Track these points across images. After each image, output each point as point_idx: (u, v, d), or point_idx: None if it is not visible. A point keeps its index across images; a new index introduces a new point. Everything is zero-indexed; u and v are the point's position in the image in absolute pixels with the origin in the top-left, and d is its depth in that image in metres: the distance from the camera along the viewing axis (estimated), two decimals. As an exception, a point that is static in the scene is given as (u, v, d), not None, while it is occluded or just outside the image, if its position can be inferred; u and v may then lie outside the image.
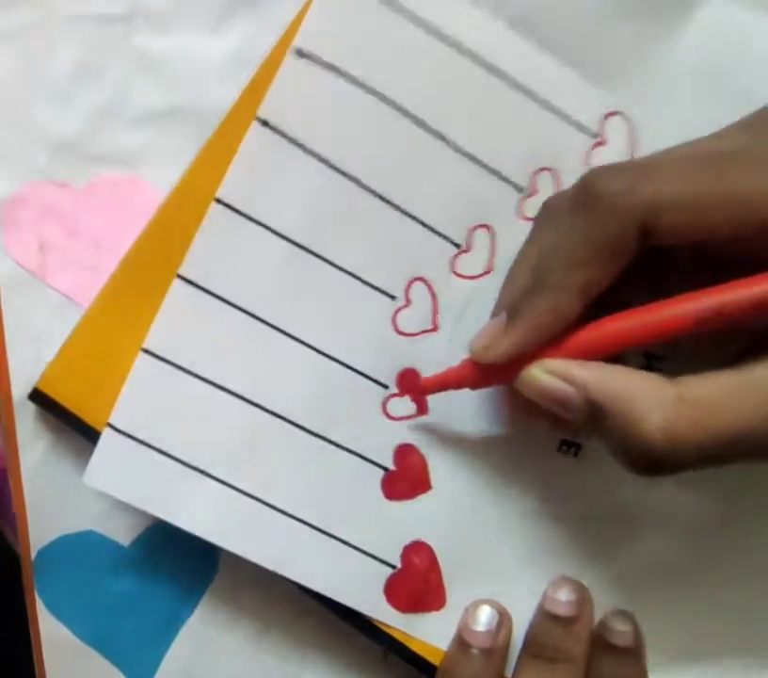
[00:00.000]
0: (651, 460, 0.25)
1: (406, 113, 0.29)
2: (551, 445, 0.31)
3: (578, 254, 0.25)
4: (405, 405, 0.31)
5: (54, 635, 0.31)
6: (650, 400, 0.25)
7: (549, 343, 0.27)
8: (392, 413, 0.31)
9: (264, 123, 0.28)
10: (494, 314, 0.28)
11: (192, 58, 0.30)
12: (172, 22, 0.30)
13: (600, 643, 0.31)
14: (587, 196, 0.25)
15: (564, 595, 0.31)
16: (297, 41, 0.28)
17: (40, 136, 0.30)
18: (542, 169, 0.31)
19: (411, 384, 0.31)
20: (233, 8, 0.30)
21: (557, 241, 0.26)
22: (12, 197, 0.30)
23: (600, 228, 0.25)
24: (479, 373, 0.28)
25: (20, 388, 0.30)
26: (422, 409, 0.30)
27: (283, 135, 0.29)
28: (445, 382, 0.29)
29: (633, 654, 0.31)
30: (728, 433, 0.24)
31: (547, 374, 0.26)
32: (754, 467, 0.31)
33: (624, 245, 0.25)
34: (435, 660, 0.31)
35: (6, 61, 0.29)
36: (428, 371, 0.31)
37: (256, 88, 0.29)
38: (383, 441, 0.31)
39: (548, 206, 0.27)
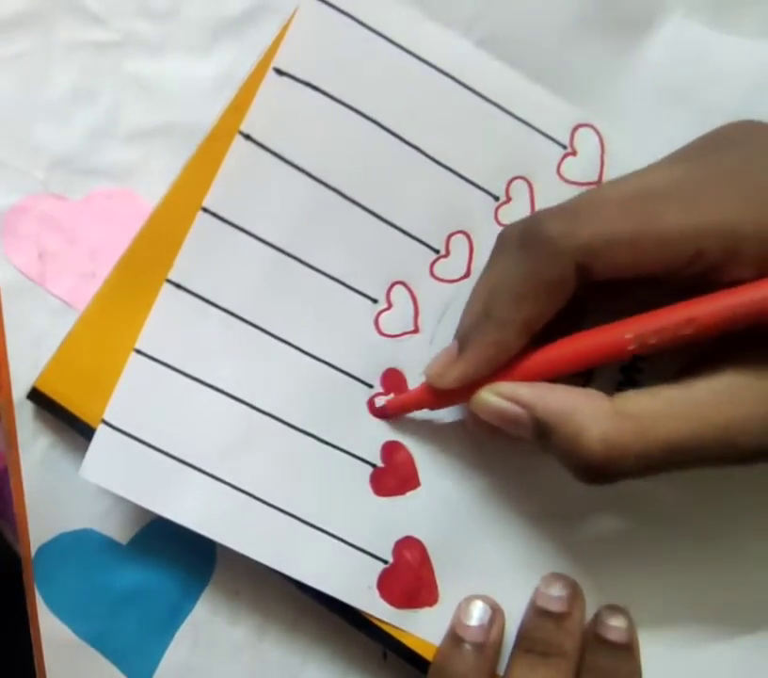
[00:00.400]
0: (595, 469, 0.26)
1: (382, 127, 0.31)
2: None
3: (520, 292, 0.27)
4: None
5: (53, 633, 0.32)
6: (588, 415, 0.26)
7: (497, 370, 0.29)
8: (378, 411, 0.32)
9: (247, 137, 0.30)
10: (454, 338, 0.30)
11: (181, 81, 0.32)
12: (162, 47, 0.32)
13: (593, 638, 0.31)
14: (531, 238, 0.27)
15: (556, 591, 0.31)
16: (277, 61, 0.30)
17: (39, 152, 0.31)
18: (516, 178, 0.32)
19: (395, 384, 0.32)
20: (219, 34, 0.32)
21: (504, 277, 0.28)
22: (13, 208, 0.31)
23: (542, 268, 0.27)
24: (436, 396, 0.30)
25: (20, 390, 0.31)
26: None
27: (265, 148, 0.30)
28: (406, 405, 0.31)
29: (627, 649, 0.31)
30: (664, 444, 0.26)
31: (496, 396, 0.28)
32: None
33: (563, 284, 0.27)
34: (430, 656, 0.32)
35: (7, 84, 0.31)
36: (411, 371, 0.32)
37: (238, 106, 0.30)
38: (370, 438, 0.31)
39: (501, 238, 0.29)
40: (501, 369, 0.29)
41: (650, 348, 0.27)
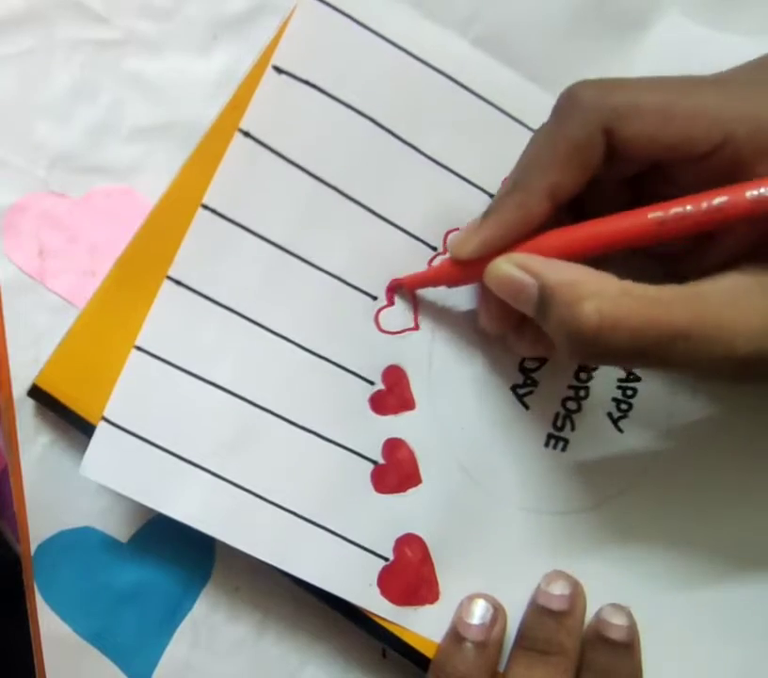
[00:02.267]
0: (586, 340, 0.26)
1: (380, 125, 0.31)
2: (538, 440, 0.32)
3: (547, 155, 0.27)
4: (391, 401, 0.32)
5: (53, 630, 0.32)
6: (592, 286, 0.26)
7: (517, 243, 0.28)
8: (379, 409, 0.32)
9: (246, 134, 0.30)
10: None
11: (181, 79, 0.32)
12: (163, 46, 0.32)
13: (595, 636, 0.31)
14: (561, 103, 0.27)
15: (557, 589, 0.31)
16: (275, 59, 0.30)
17: (40, 150, 0.31)
18: (511, 176, 0.33)
19: (396, 380, 0.32)
20: (219, 33, 0.32)
21: (534, 147, 0.28)
22: (14, 206, 0.31)
23: (569, 130, 0.27)
24: (455, 270, 0.30)
25: (20, 388, 0.31)
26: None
27: (264, 145, 0.30)
28: (425, 279, 0.31)
29: (628, 648, 0.31)
30: (664, 328, 0.25)
31: (509, 263, 0.28)
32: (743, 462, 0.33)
33: (589, 149, 0.27)
34: (430, 654, 0.32)
35: (9, 82, 0.31)
36: (412, 368, 0.32)
37: (238, 103, 0.31)
38: (371, 435, 0.32)
39: (534, 133, 0.29)
40: (521, 245, 0.28)
41: (673, 234, 0.26)
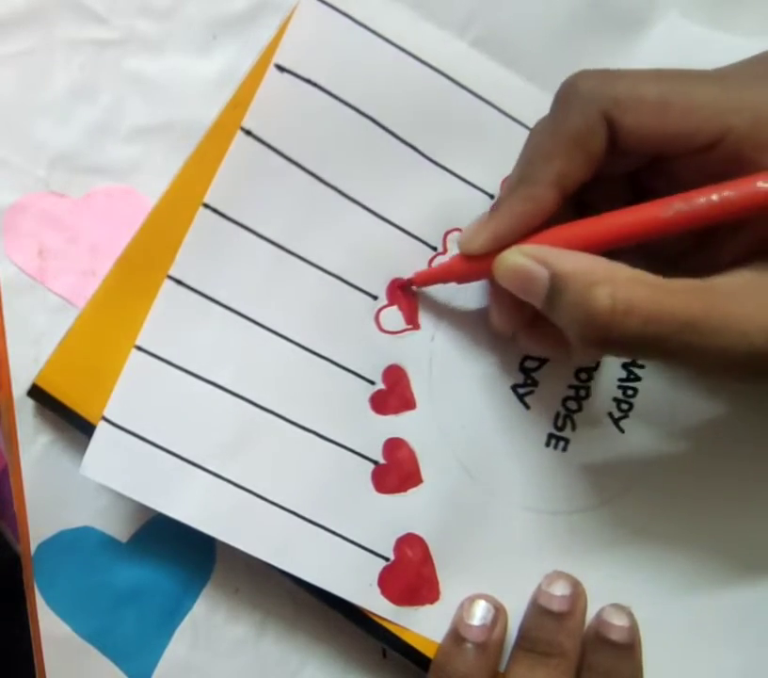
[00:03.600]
0: (598, 326, 0.25)
1: (379, 124, 0.31)
2: (539, 440, 0.32)
3: (551, 146, 0.27)
4: (392, 400, 0.32)
5: (53, 630, 0.32)
6: (606, 274, 0.26)
7: (526, 236, 0.28)
8: (380, 409, 0.32)
9: (248, 133, 0.30)
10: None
11: (181, 79, 0.32)
12: (163, 46, 0.32)
13: (595, 637, 0.31)
14: (562, 93, 0.28)
15: (558, 590, 0.31)
16: (277, 58, 0.30)
17: (40, 150, 0.31)
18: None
19: (396, 380, 0.32)
20: (219, 33, 0.32)
21: (536, 140, 0.28)
22: (13, 206, 0.31)
23: (571, 120, 0.27)
24: (465, 265, 0.30)
25: (20, 387, 0.31)
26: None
27: (266, 144, 0.30)
28: (435, 275, 0.31)
29: (629, 649, 0.31)
30: (676, 317, 0.25)
31: (519, 254, 0.28)
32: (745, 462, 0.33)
33: (591, 137, 0.27)
34: (431, 654, 0.31)
35: (8, 82, 0.31)
36: (413, 368, 0.32)
37: (239, 102, 0.31)
38: (372, 435, 0.32)
39: (534, 127, 0.29)
40: (530, 238, 0.28)
41: (683, 226, 0.26)
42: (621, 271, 0.26)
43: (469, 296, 0.32)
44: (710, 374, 0.27)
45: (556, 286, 0.26)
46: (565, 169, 0.27)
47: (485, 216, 0.29)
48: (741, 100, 0.26)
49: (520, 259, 0.28)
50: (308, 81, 0.31)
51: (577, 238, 0.27)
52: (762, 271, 0.26)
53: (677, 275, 0.26)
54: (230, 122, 0.30)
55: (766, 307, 0.25)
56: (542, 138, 0.28)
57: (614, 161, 0.27)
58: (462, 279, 0.30)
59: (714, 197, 0.25)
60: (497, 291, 0.29)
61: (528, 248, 0.28)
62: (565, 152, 0.27)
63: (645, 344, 0.25)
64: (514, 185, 0.28)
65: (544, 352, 0.31)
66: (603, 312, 0.25)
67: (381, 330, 0.32)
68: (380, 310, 0.32)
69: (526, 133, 0.32)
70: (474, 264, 0.29)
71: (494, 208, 0.28)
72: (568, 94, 0.27)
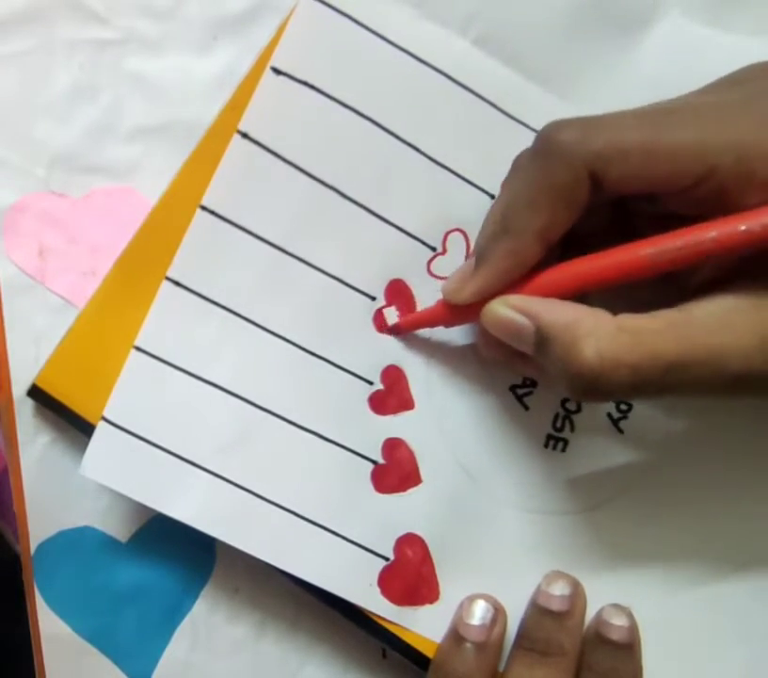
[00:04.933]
0: (587, 379, 0.26)
1: (379, 126, 0.31)
2: (538, 441, 0.32)
3: (534, 200, 0.27)
4: (391, 401, 0.32)
5: (53, 630, 0.32)
6: (589, 326, 0.26)
7: (512, 285, 0.29)
8: (379, 409, 0.32)
9: (245, 136, 0.30)
10: (471, 256, 0.30)
11: (181, 79, 0.32)
12: (163, 46, 0.32)
13: (595, 637, 0.31)
14: (543, 145, 0.27)
15: (557, 590, 0.31)
16: (274, 61, 0.30)
17: (40, 150, 0.31)
18: (512, 177, 0.33)
19: (395, 380, 0.32)
20: (219, 33, 0.32)
21: (519, 188, 0.28)
22: (14, 206, 0.31)
23: (554, 175, 0.27)
24: (451, 312, 0.30)
25: (20, 388, 0.31)
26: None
27: (263, 146, 0.30)
28: (421, 320, 0.31)
29: (628, 649, 0.31)
30: (662, 360, 0.25)
31: (504, 306, 0.28)
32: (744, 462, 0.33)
33: (577, 191, 0.27)
34: (430, 654, 0.32)
35: (8, 81, 0.31)
36: (411, 368, 0.32)
37: (236, 104, 0.31)
38: (371, 435, 0.32)
39: (514, 161, 0.29)
40: (515, 286, 0.29)
41: (665, 267, 0.26)
42: (604, 321, 0.26)
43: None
44: (701, 400, 0.28)
45: (543, 340, 0.27)
46: (549, 222, 0.27)
47: (469, 266, 0.29)
48: (724, 138, 0.26)
49: (506, 311, 0.28)
50: (304, 83, 0.30)
51: (561, 285, 0.28)
52: (738, 294, 0.26)
53: (655, 296, 0.27)
54: (227, 125, 0.30)
55: (741, 333, 0.25)
56: (524, 191, 0.28)
57: (596, 201, 0.27)
58: (449, 324, 0.31)
59: (697, 239, 0.26)
60: (485, 330, 0.30)
61: (513, 299, 0.28)
62: (549, 204, 0.27)
63: (634, 390, 0.26)
64: (497, 236, 0.28)
65: (537, 376, 0.32)
66: (592, 369, 0.26)
67: (379, 330, 0.32)
68: (379, 310, 0.32)
69: (527, 132, 0.33)
70: (461, 311, 0.30)
71: (478, 262, 0.29)
72: (548, 148, 0.27)
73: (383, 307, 0.32)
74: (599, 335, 0.26)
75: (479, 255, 0.29)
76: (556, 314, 0.27)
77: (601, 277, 0.27)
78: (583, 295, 0.28)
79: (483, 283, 0.29)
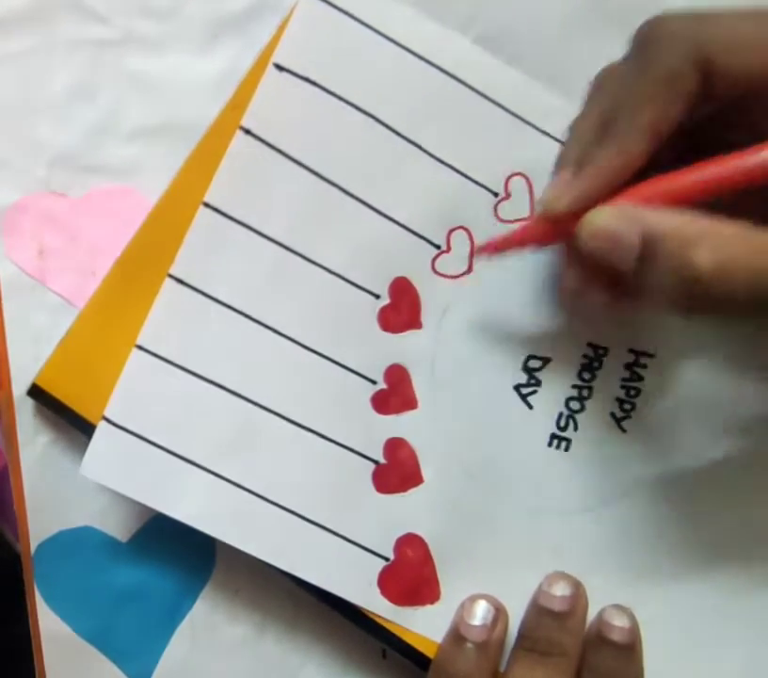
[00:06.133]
0: (702, 284, 0.24)
1: (382, 123, 0.31)
2: (541, 440, 0.32)
3: (640, 92, 0.26)
4: (394, 400, 0.32)
5: (53, 630, 0.32)
6: (705, 229, 0.24)
7: (612, 194, 0.27)
8: (382, 408, 0.32)
9: (248, 132, 0.30)
10: (560, 166, 0.28)
11: (181, 78, 0.32)
12: (163, 45, 0.32)
13: (596, 638, 0.31)
14: (649, 36, 0.26)
15: (558, 590, 0.31)
16: (276, 57, 0.30)
17: (40, 150, 0.31)
18: (515, 175, 0.32)
19: (398, 379, 0.32)
20: (219, 32, 0.32)
21: (620, 90, 0.26)
22: (13, 205, 0.31)
23: (661, 62, 0.26)
24: (544, 228, 0.28)
25: (20, 387, 0.31)
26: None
27: (266, 143, 0.30)
28: (511, 241, 0.29)
29: (630, 650, 0.31)
30: None
31: (607, 214, 0.26)
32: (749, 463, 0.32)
33: (685, 78, 0.26)
34: (431, 654, 0.31)
35: (9, 81, 0.31)
36: (415, 367, 0.32)
37: (239, 101, 0.31)
38: (373, 435, 0.31)
39: (600, 75, 0.28)
40: (616, 196, 0.27)
41: None
42: (721, 227, 0.24)
43: (470, 296, 0.32)
44: None
45: (649, 248, 0.25)
46: (659, 116, 0.26)
47: (567, 172, 0.27)
48: None
49: (609, 220, 0.26)
50: (307, 79, 0.31)
51: (672, 192, 0.26)
52: None
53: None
54: (229, 122, 0.30)
55: None
56: (627, 84, 0.26)
57: (702, 104, 0.26)
58: (540, 243, 0.29)
59: None
60: (574, 253, 0.28)
61: (617, 206, 0.26)
62: (658, 95, 0.26)
63: (751, 301, 0.24)
64: (599, 137, 0.26)
65: (620, 310, 0.30)
66: (707, 270, 0.24)
67: (383, 329, 0.32)
68: (382, 309, 0.32)
69: (530, 129, 0.33)
70: (554, 226, 0.28)
71: (582, 164, 0.27)
72: (656, 34, 0.26)
73: (386, 305, 0.31)
74: (715, 239, 0.24)
75: (579, 160, 0.27)
76: (667, 220, 0.25)
77: (711, 184, 0.25)
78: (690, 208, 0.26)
79: (586, 188, 0.26)
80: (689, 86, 0.25)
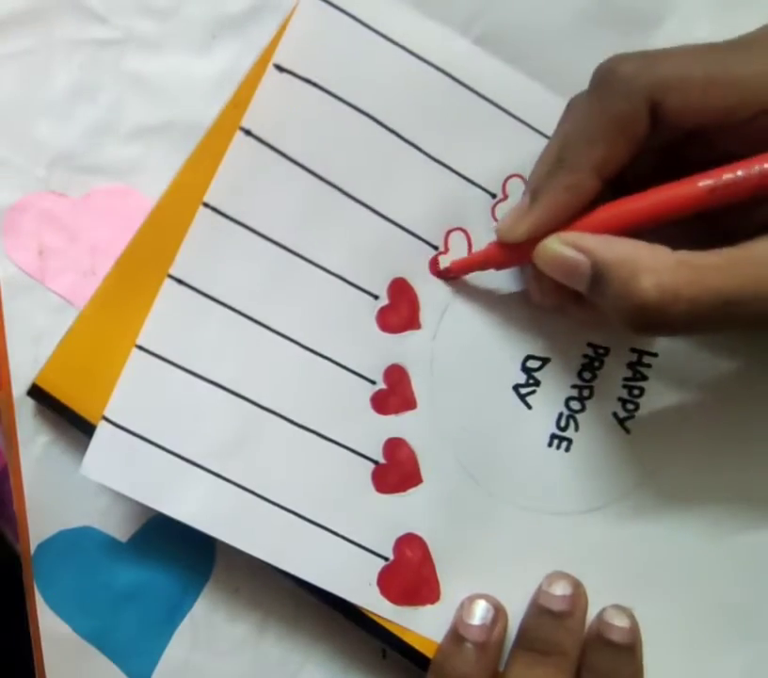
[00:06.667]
0: (646, 312, 0.26)
1: (381, 124, 0.31)
2: (541, 440, 0.32)
3: (592, 132, 0.27)
4: (393, 400, 0.32)
5: (53, 630, 0.32)
6: (648, 261, 0.26)
7: (566, 223, 0.28)
8: (381, 408, 0.32)
9: (248, 133, 0.30)
10: (524, 193, 0.30)
11: (181, 78, 0.32)
12: (163, 45, 0.32)
13: (596, 638, 0.31)
14: (603, 77, 0.27)
15: (558, 590, 0.31)
16: (276, 58, 0.30)
17: (40, 150, 0.31)
18: (512, 176, 0.32)
19: (397, 380, 0.32)
20: (219, 32, 0.32)
21: (576, 122, 0.28)
22: (14, 205, 0.31)
23: (614, 106, 0.27)
24: (503, 252, 0.30)
25: (20, 387, 0.31)
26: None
27: (265, 143, 0.30)
28: (473, 263, 0.31)
29: (629, 650, 0.31)
30: (721, 295, 0.25)
31: (559, 243, 0.28)
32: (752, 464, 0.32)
33: (636, 123, 0.27)
34: (431, 654, 0.31)
35: (8, 81, 0.31)
36: (414, 367, 0.32)
37: (239, 102, 0.31)
38: (372, 435, 0.32)
39: (569, 102, 0.29)
40: (570, 224, 0.28)
41: (724, 198, 0.26)
42: (664, 256, 0.26)
43: (468, 296, 0.32)
44: (757, 331, 0.28)
45: (599, 275, 0.26)
46: (607, 156, 0.27)
47: (524, 203, 0.29)
48: None
49: (561, 248, 0.28)
50: (307, 80, 0.31)
51: (617, 221, 0.27)
52: None
53: (712, 238, 0.26)
54: (229, 122, 0.30)
55: None
56: (583, 122, 0.27)
57: (652, 137, 0.27)
58: (500, 266, 0.30)
59: (756, 169, 0.26)
60: (537, 271, 0.29)
61: (568, 235, 0.28)
62: (608, 137, 0.27)
63: (691, 324, 0.26)
64: (553, 171, 0.28)
65: (594, 321, 0.31)
66: (650, 301, 0.26)
67: (382, 330, 0.32)
68: (381, 309, 0.32)
69: (530, 131, 0.33)
70: (513, 251, 0.29)
71: (534, 197, 0.28)
72: (608, 78, 0.27)
73: (385, 306, 0.31)
74: (658, 269, 0.26)
75: (534, 191, 0.28)
76: (613, 249, 0.27)
77: (659, 211, 0.27)
78: (638, 231, 0.27)
79: (537, 220, 0.28)
80: (638, 129, 0.27)
